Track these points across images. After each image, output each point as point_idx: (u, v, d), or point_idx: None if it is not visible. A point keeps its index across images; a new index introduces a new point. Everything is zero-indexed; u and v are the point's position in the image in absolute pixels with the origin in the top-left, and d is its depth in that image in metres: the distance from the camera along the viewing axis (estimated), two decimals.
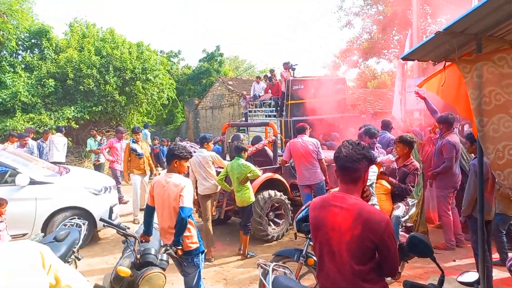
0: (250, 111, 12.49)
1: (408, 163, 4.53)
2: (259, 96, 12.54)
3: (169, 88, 17.27)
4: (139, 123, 17.46)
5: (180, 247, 3.28)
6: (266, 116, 11.36)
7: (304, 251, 3.67)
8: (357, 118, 11.52)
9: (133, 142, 7.63)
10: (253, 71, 37.90)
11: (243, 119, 13.19)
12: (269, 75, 12.64)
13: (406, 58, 3.24)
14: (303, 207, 4.05)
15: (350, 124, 10.54)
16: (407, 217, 4.45)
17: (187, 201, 3.26)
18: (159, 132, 26.46)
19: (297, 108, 10.47)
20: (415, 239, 2.06)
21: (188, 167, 3.66)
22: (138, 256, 3.05)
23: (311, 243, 3.74)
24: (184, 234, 3.30)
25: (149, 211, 3.59)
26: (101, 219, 3.28)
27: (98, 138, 10.86)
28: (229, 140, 8.36)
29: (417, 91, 5.58)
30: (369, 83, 36.27)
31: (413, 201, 4.64)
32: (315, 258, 3.65)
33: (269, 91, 11.88)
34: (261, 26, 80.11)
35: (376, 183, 4.27)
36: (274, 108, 11.15)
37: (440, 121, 5.43)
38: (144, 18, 77.16)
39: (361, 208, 2.00)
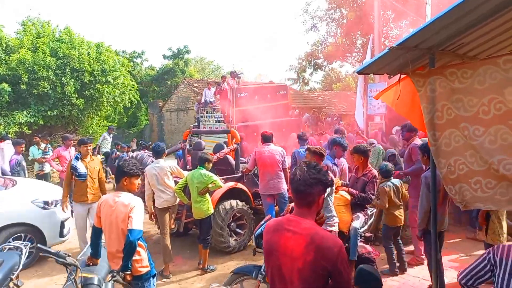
0: (202, 116, 13.09)
1: (367, 171, 4.55)
2: (210, 102, 13.18)
3: (130, 90, 16.71)
4: (99, 126, 16.79)
5: (129, 272, 3.05)
6: (216, 121, 12.17)
7: (262, 268, 3.54)
8: (298, 122, 12.94)
9: (76, 158, 5.63)
10: (220, 73, 37.65)
11: (196, 123, 13.71)
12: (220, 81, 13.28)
13: (361, 72, 3.19)
14: (262, 222, 3.93)
15: (292, 127, 11.73)
16: (366, 227, 4.45)
17: (137, 223, 3.03)
18: (122, 135, 25.63)
19: (242, 114, 11.05)
20: (363, 271, 1.96)
21: (139, 184, 3.42)
22: (79, 287, 2.80)
23: None
24: (134, 258, 3.07)
25: (96, 233, 3.33)
26: (37, 248, 2.99)
27: (42, 145, 9.75)
28: (190, 147, 8.13)
29: None
30: (334, 85, 37.01)
31: (372, 210, 4.65)
32: None
33: (218, 96, 12.57)
34: (228, 27, 79.84)
35: (335, 193, 4.23)
36: (219, 114, 12.00)
37: (407, 129, 5.46)
38: (106, 17, 74.79)
39: (314, 233, 1.92)
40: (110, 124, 17.90)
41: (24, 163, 8.39)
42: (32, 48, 13.78)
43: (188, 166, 7.37)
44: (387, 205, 4.68)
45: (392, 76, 3.27)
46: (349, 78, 37.57)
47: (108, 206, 3.19)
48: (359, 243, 4.09)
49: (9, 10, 47.23)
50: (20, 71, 12.80)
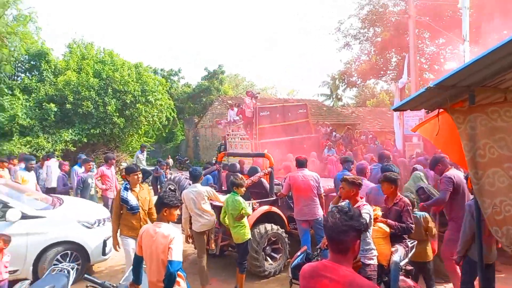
0: (228, 134, 13.85)
1: (398, 200, 4.36)
2: (234, 121, 14.07)
3: (167, 109, 17.32)
4: (138, 143, 17.46)
5: None
6: (241, 139, 12.84)
7: None
8: (318, 138, 13.81)
9: (125, 189, 5.09)
10: (253, 89, 38.19)
11: (222, 141, 14.63)
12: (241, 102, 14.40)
13: (398, 109, 3.20)
14: (299, 253, 3.95)
15: (313, 144, 12.45)
16: (406, 260, 4.31)
17: (176, 254, 3.16)
18: (159, 150, 26.43)
19: (265, 132, 12.01)
20: None
21: (178, 214, 3.57)
22: None
23: None
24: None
25: (137, 261, 3.49)
26: (85, 278, 3.19)
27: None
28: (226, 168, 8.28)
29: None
30: (368, 101, 36.45)
31: (412, 242, 4.51)
32: None
33: (240, 115, 13.55)
34: (262, 45, 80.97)
35: (373, 225, 4.16)
36: (244, 132, 12.75)
37: (433, 163, 5.34)
38: (144, 36, 78.08)
39: (352, 281, 1.92)
40: (149, 140, 18.57)
41: (90, 181, 8.53)
42: (77, 69, 14.67)
43: (223, 187, 7.50)
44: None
45: (430, 111, 3.26)
46: (383, 94, 36.91)
47: (149, 236, 3.33)
48: (400, 277, 4.00)
49: (56, 34, 50.98)
50: (66, 91, 13.66)
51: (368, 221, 3.95)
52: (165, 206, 3.37)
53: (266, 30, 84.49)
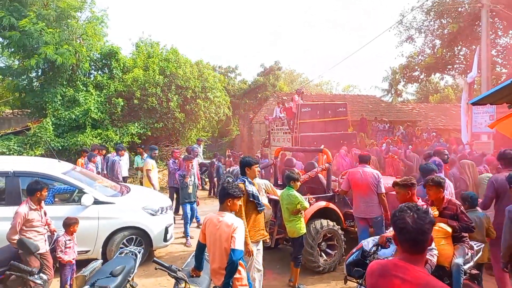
0: (272, 129, 15.24)
1: (446, 204, 4.10)
2: (280, 117, 15.26)
3: (224, 105, 17.76)
4: (197, 137, 18.13)
5: None
6: (283, 133, 14.14)
7: None
8: (354, 136, 14.65)
9: (249, 181, 4.63)
10: (309, 86, 37.76)
11: (267, 136, 16.06)
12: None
13: (476, 103, 3.01)
14: (354, 250, 3.89)
15: (350, 141, 13.27)
16: (471, 263, 4.06)
17: (239, 243, 3.24)
18: (215, 144, 27.15)
19: (305, 126, 13.24)
20: None
21: (240, 205, 3.67)
22: None
23: None
24: (235, 276, 3.30)
25: (200, 248, 3.63)
26: (154, 261, 3.39)
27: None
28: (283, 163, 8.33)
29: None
30: (431, 97, 34.43)
31: (479, 245, 4.23)
32: None
33: (284, 112, 14.78)
34: (318, 40, 79.73)
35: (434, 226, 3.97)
36: (287, 127, 13.95)
37: (498, 157, 4.94)
38: (203, 34, 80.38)
39: (427, 283, 1.82)
40: (206, 134, 19.18)
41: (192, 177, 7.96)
42: (144, 67, 15.53)
43: (278, 181, 7.56)
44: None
45: None
46: (448, 89, 34.63)
47: (213, 225, 3.45)
48: (464, 281, 3.78)
49: (125, 34, 54.64)
50: (133, 88, 14.52)
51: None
52: (229, 197, 3.47)
53: (322, 24, 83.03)
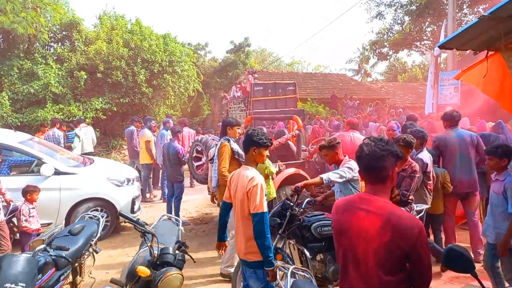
0: (230, 108, 16.21)
1: (407, 166, 3.94)
2: (238, 96, 15.99)
3: (194, 80, 17.31)
4: (165, 114, 17.64)
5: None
6: (240, 110, 14.96)
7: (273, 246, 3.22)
8: (302, 112, 15.12)
9: (233, 140, 4.72)
10: (280, 64, 37.54)
11: (224, 114, 17.03)
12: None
13: (443, 47, 2.96)
14: (279, 203, 3.91)
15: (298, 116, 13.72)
16: None
17: (259, 205, 2.79)
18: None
19: (257, 104, 14.12)
20: (453, 252, 1.80)
21: (267, 156, 3.15)
22: (155, 254, 2.92)
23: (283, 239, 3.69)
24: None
25: (225, 208, 3.22)
26: (119, 214, 3.15)
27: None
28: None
29: None
30: (399, 76, 35.17)
31: (420, 207, 4.16)
32: (283, 253, 3.50)
33: (241, 91, 15.62)
34: (288, 18, 79.28)
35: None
36: (242, 105, 14.90)
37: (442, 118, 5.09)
38: (172, 10, 77.95)
39: (390, 212, 1.80)
40: (175, 113, 18.70)
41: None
42: (107, 40, 14.78)
43: None
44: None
45: (477, 52, 3.00)
46: (416, 68, 35.48)
47: (237, 177, 3.04)
48: None
49: (88, 5, 51.65)
50: (96, 60, 13.82)
51: (352, 176, 3.83)
52: (254, 145, 2.99)
53: (295, 6, 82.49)
